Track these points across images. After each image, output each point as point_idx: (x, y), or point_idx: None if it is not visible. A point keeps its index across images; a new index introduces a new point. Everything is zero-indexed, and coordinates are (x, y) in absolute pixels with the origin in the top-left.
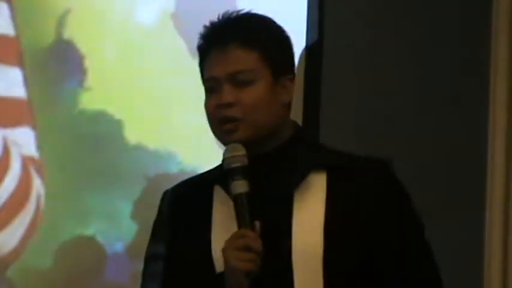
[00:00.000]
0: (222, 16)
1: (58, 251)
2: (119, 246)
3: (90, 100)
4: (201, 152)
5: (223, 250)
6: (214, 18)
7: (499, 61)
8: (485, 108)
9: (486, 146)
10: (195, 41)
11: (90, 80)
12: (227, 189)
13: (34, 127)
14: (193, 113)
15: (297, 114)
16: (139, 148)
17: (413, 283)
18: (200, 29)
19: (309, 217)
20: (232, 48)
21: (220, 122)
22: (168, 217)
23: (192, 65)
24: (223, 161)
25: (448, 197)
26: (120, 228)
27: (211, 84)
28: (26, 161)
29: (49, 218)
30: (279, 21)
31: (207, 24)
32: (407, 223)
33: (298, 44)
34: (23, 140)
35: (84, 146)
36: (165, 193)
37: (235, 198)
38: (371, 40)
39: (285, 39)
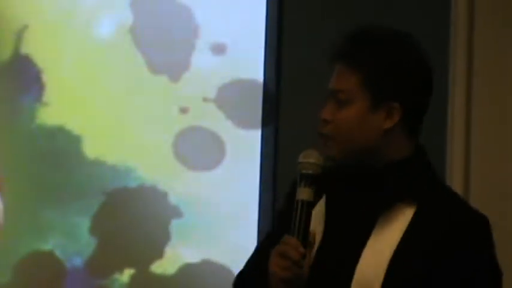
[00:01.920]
0: (353, 29)
1: (16, 266)
2: (77, 261)
3: (48, 115)
4: (160, 166)
5: (271, 252)
6: (171, 32)
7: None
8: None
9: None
10: (153, 55)
11: (48, 95)
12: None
13: None
14: (152, 127)
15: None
16: (97, 163)
17: None
18: (158, 43)
19: (380, 248)
20: (339, 65)
21: (318, 135)
22: (283, 204)
23: (150, 79)
24: (298, 164)
25: None
26: (78, 243)
27: (326, 94)
28: None
29: (7, 233)
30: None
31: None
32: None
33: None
34: None
35: (42, 161)
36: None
37: (296, 204)
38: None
39: (398, 64)
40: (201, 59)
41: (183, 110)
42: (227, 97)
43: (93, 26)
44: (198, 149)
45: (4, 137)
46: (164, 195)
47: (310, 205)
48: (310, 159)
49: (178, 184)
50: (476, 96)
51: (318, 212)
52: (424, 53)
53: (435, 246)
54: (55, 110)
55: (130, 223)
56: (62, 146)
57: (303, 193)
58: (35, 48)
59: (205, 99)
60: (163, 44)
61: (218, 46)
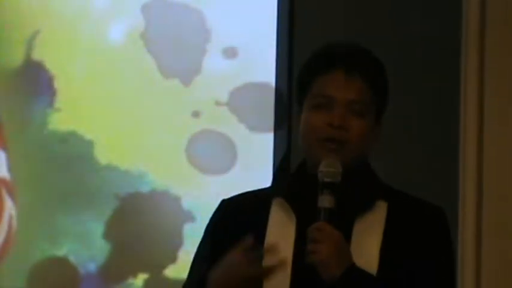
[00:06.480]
0: (346, 42)
1: (30, 272)
2: (91, 267)
3: (61, 121)
4: (172, 171)
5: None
6: (183, 36)
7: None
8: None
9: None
10: (165, 59)
11: (60, 100)
12: (293, 203)
13: (5, 148)
14: (164, 132)
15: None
16: (110, 168)
17: None
18: (169, 47)
19: (367, 240)
20: (358, 78)
21: (325, 140)
22: (214, 225)
23: (162, 84)
24: (319, 172)
25: None
26: (92, 248)
27: (321, 101)
28: None
29: (21, 239)
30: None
31: (326, 42)
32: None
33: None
34: None
35: (55, 166)
36: (221, 202)
37: (319, 211)
38: None
39: (387, 82)
40: (213, 63)
41: (195, 114)
42: (239, 101)
43: (104, 31)
44: (210, 153)
45: (17, 143)
46: (177, 199)
47: (333, 213)
48: (334, 168)
49: (191, 188)
50: (489, 99)
51: (280, 219)
52: None
53: (413, 237)
54: (67, 116)
55: (143, 228)
56: (74, 151)
57: (326, 201)
58: (47, 54)
59: (217, 103)
60: (174, 48)
61: (230, 50)
